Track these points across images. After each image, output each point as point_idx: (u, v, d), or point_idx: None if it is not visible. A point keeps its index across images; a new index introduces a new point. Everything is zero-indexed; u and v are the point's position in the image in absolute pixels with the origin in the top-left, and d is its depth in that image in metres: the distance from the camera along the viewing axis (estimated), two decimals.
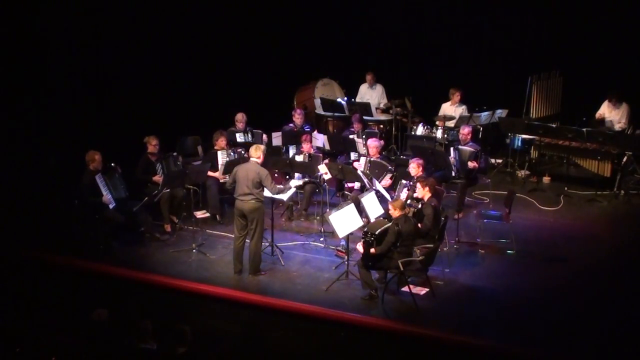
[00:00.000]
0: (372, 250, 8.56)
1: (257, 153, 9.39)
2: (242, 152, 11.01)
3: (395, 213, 8.76)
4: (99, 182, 9.84)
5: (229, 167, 10.30)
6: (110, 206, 9.91)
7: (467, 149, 11.11)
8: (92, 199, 9.79)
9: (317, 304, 8.67)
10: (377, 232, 8.54)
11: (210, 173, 10.82)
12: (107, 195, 9.87)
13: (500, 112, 12.99)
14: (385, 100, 14.09)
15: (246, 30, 14.68)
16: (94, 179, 9.81)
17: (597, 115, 12.63)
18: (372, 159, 10.78)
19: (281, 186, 9.64)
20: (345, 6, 15.36)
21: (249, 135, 11.81)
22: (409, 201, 9.46)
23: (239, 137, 11.67)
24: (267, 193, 9.61)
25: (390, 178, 10.47)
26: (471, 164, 10.99)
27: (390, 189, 10.32)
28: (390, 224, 8.64)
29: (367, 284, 8.77)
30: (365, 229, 8.79)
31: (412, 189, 9.63)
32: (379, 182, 10.17)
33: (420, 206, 9.30)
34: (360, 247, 8.72)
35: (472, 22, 14.57)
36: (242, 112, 11.91)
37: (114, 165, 10.21)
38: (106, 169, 10.01)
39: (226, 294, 9.02)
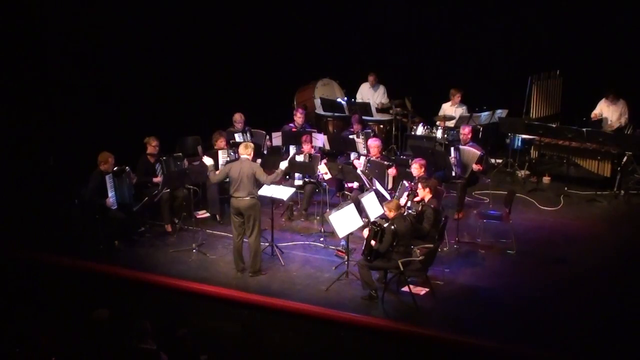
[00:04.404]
0: (373, 242, 8.56)
1: (247, 150, 9.43)
2: None
3: (390, 214, 8.76)
4: (107, 182, 9.84)
5: None
6: (112, 208, 9.92)
7: (474, 151, 11.07)
8: (96, 200, 9.79)
9: (317, 304, 8.67)
10: (384, 226, 8.57)
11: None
12: (111, 199, 9.86)
13: (500, 112, 12.99)
14: (385, 101, 14.09)
15: (246, 30, 14.68)
16: (103, 179, 9.81)
17: (593, 115, 12.64)
18: (372, 159, 10.77)
19: (272, 175, 9.53)
20: (345, 6, 15.36)
21: (248, 135, 11.81)
22: (409, 203, 9.46)
23: (238, 137, 11.67)
24: (265, 192, 9.63)
25: (395, 168, 10.52)
26: (476, 167, 10.98)
27: (392, 188, 10.32)
28: (387, 224, 8.65)
29: (367, 284, 8.77)
30: (374, 220, 8.84)
31: (412, 193, 9.58)
32: (383, 181, 10.17)
33: (420, 208, 9.30)
34: (366, 232, 8.73)
35: (472, 22, 14.57)
36: (240, 113, 11.91)
37: (128, 170, 10.21)
38: (117, 172, 10.01)
39: (226, 294, 9.02)
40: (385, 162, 10.62)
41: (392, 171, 10.51)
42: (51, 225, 10.59)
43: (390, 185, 10.46)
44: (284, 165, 9.81)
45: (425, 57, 14.77)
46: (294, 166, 10.92)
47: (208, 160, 10.10)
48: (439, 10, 14.80)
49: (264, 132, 11.97)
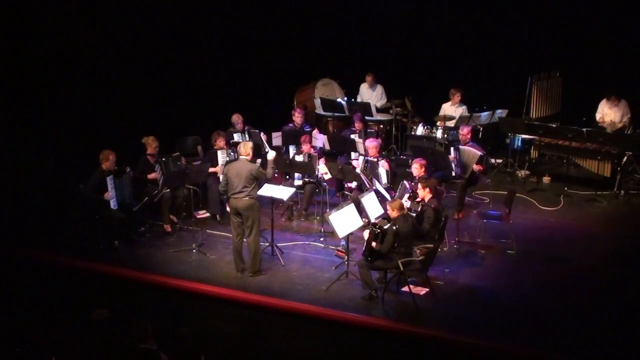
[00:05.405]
0: (374, 243, 8.56)
1: (246, 150, 9.38)
2: None
3: (393, 214, 8.75)
4: (108, 183, 9.83)
5: None
6: (112, 205, 9.91)
7: (474, 151, 11.06)
8: (95, 197, 9.78)
9: (317, 304, 8.67)
10: (384, 227, 8.56)
11: (211, 169, 10.83)
12: (110, 193, 9.86)
13: (500, 112, 12.99)
14: (384, 101, 14.09)
15: (246, 30, 14.68)
16: (103, 179, 9.81)
17: (600, 119, 12.65)
18: (370, 159, 10.75)
19: (268, 170, 9.47)
20: (345, 6, 15.36)
21: (247, 135, 11.81)
22: (409, 204, 9.45)
23: (237, 137, 11.67)
24: (265, 192, 9.63)
25: (387, 161, 10.55)
26: (477, 167, 10.98)
27: (391, 189, 10.32)
28: (389, 225, 8.64)
29: (367, 284, 8.77)
30: (374, 221, 8.86)
31: (413, 195, 9.56)
32: (379, 175, 10.16)
33: (420, 208, 9.29)
34: (366, 234, 8.72)
35: (472, 22, 14.56)
36: (237, 113, 11.90)
37: (128, 170, 10.20)
38: (117, 172, 10.00)
39: (226, 294, 9.02)
40: (377, 159, 10.62)
41: (383, 163, 10.51)
42: (51, 225, 10.58)
43: (385, 180, 10.46)
44: (271, 155, 9.68)
45: (425, 57, 14.76)
46: (293, 166, 10.92)
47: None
48: (439, 10, 14.79)
49: (257, 130, 11.93)
